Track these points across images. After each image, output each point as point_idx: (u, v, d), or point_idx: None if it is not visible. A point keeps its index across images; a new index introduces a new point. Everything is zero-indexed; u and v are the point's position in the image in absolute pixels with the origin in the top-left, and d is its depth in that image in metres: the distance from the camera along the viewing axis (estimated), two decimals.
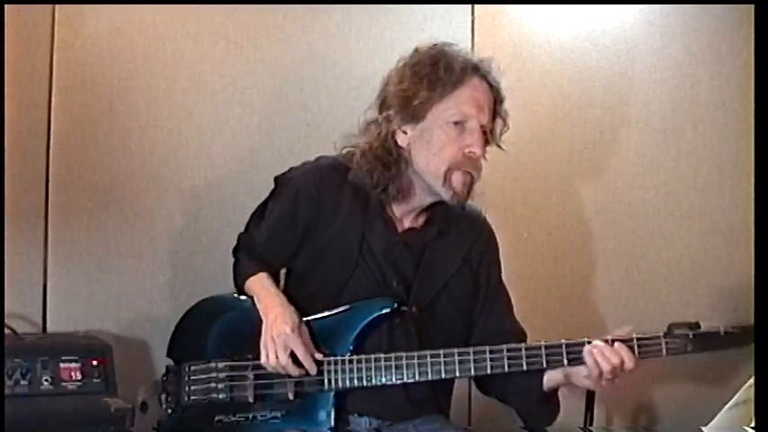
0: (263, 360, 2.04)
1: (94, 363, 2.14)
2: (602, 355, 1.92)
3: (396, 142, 2.05)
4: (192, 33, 2.55)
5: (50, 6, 2.40)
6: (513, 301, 2.22)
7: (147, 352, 2.41)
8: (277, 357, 2.02)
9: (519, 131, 2.79)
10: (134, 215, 2.49)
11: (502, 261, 2.24)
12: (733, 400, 1.78)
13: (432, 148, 2.02)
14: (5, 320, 2.19)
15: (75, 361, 2.12)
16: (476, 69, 2.05)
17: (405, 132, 2.05)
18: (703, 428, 1.80)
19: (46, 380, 2.08)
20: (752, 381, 1.73)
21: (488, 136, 2.07)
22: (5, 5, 2.17)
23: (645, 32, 2.65)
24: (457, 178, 2.01)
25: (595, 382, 1.95)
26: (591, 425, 2.49)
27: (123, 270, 2.47)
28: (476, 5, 2.81)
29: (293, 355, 2.03)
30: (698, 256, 2.56)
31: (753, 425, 1.67)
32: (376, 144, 2.05)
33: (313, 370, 2.03)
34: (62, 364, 2.10)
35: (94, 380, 2.13)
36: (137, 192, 2.49)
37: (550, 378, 2.03)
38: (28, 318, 2.36)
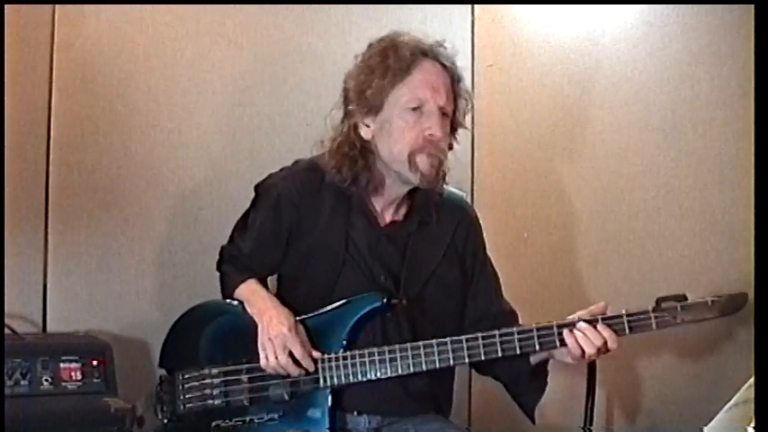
0: (262, 362, 2.05)
1: (94, 363, 2.14)
2: (584, 338, 1.95)
3: (360, 136, 2.08)
4: (192, 33, 2.55)
5: (50, 6, 2.40)
6: (514, 301, 2.22)
7: (147, 352, 2.41)
8: (276, 358, 2.02)
9: (519, 131, 2.82)
10: (134, 215, 2.49)
11: (502, 261, 2.24)
12: (733, 400, 1.77)
13: (393, 136, 2.04)
14: (5, 320, 2.20)
15: (76, 361, 2.12)
16: (425, 53, 2.06)
17: (367, 126, 2.08)
18: (703, 428, 1.79)
19: (46, 380, 2.09)
20: (752, 381, 1.72)
21: (452, 117, 2.08)
22: (5, 5, 2.18)
23: (645, 32, 2.65)
24: (422, 161, 2.02)
25: (578, 361, 2.00)
26: (591, 425, 2.48)
27: (123, 270, 2.48)
28: (476, 5, 2.81)
29: (291, 355, 2.03)
30: (698, 256, 2.56)
31: (753, 425, 1.67)
32: (340, 140, 2.09)
33: (311, 368, 2.03)
34: (62, 364, 2.11)
35: (94, 380, 2.13)
36: (137, 192, 2.49)
37: (535, 355, 2.06)
38: (28, 318, 2.36)
